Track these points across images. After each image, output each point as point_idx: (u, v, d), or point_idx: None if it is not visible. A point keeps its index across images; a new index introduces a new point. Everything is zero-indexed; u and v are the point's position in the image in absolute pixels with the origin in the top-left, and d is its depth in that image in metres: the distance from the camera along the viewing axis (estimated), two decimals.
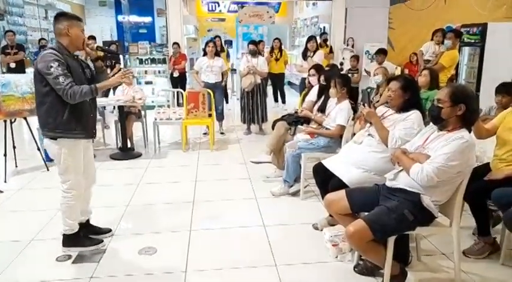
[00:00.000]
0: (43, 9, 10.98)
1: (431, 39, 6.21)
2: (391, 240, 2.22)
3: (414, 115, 2.66)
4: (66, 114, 2.57)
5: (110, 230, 3.15)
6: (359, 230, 2.16)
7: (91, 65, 2.87)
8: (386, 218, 2.17)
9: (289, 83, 12.13)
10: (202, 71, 6.21)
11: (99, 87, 2.62)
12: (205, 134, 6.44)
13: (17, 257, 2.82)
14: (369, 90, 3.44)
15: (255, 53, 6.29)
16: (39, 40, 9.00)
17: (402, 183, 2.27)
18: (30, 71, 7.48)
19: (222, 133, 6.54)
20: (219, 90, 6.31)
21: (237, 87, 10.53)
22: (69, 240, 2.77)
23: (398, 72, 6.73)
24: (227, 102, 8.87)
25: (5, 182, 4.30)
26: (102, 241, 2.89)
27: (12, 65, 7.75)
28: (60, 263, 2.75)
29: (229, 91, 10.69)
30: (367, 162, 2.79)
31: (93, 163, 3.00)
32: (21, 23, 9.71)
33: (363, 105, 2.85)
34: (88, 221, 3.06)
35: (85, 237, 2.88)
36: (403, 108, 2.71)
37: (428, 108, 2.77)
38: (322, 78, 4.17)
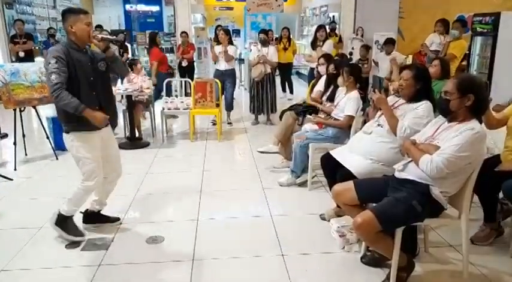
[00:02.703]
0: None
1: (434, 31, 6.09)
2: (399, 232, 2.20)
3: (425, 105, 2.63)
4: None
5: (118, 219, 3.18)
6: (367, 220, 2.14)
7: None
8: (395, 209, 2.16)
9: (298, 73, 12.06)
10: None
11: (85, 112, 2.55)
12: (213, 124, 6.44)
13: (27, 244, 2.85)
14: (380, 77, 3.40)
15: (265, 43, 6.24)
16: (48, 29, 9.02)
17: (411, 174, 2.25)
18: (38, 60, 7.52)
19: (229, 123, 6.52)
20: (229, 79, 6.23)
21: (245, 77, 10.49)
22: (59, 221, 2.85)
23: (409, 61, 6.65)
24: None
25: (15, 170, 4.35)
26: (84, 235, 2.90)
27: (21, 54, 7.79)
28: (69, 251, 2.78)
29: (237, 80, 10.68)
30: (376, 152, 2.76)
31: (117, 156, 3.04)
32: (30, 12, 9.73)
33: (373, 91, 2.81)
34: (99, 211, 3.10)
35: (74, 226, 2.91)
36: (414, 98, 2.67)
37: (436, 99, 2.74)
38: (331, 67, 4.12)
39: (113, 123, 2.97)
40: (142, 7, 14.02)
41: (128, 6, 14.19)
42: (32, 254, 2.75)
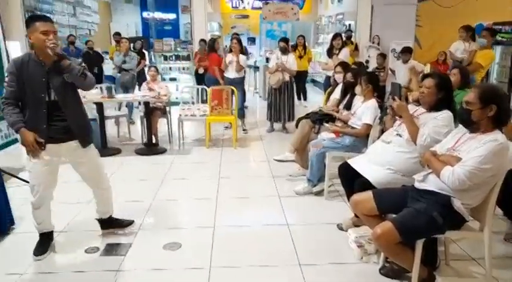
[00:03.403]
0: (71, 6, 11.22)
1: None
2: (419, 244, 2.17)
3: (445, 115, 2.59)
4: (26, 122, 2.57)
5: (133, 222, 3.21)
6: (386, 231, 2.12)
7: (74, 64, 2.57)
8: (415, 220, 2.13)
9: (313, 81, 12.05)
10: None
11: (20, 131, 2.52)
12: (226, 127, 6.52)
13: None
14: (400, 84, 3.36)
15: (285, 51, 6.27)
16: (68, 36, 9.20)
17: (432, 185, 2.22)
18: None
19: (244, 130, 6.55)
20: (239, 87, 6.29)
21: (259, 84, 10.54)
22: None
23: (427, 70, 6.59)
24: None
25: None
26: (43, 254, 2.78)
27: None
28: (88, 255, 2.81)
29: (251, 88, 10.72)
30: (395, 162, 2.73)
31: (92, 174, 2.91)
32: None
33: (393, 98, 2.78)
34: (110, 217, 3.12)
35: (41, 244, 2.83)
36: (434, 107, 2.64)
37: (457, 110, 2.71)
38: (349, 75, 4.10)
39: (84, 140, 2.74)
40: (159, 15, 14.23)
41: (145, 14, 14.42)
42: (52, 258, 2.80)
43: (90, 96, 5.12)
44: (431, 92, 2.63)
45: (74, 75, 2.52)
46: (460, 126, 2.31)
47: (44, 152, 2.60)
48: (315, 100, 9.17)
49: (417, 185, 2.32)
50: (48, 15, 9.79)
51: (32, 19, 2.51)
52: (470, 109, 2.16)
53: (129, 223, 3.19)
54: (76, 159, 2.80)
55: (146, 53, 9.06)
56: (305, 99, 8.83)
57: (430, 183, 2.24)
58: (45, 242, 2.86)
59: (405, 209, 2.23)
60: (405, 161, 2.71)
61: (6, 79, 2.50)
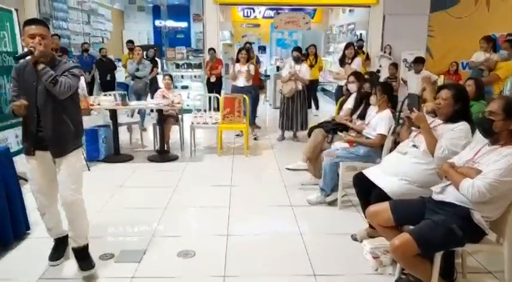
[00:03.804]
0: (86, 14, 11.42)
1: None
2: (438, 256, 2.15)
3: (463, 126, 2.57)
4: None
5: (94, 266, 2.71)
6: (404, 243, 2.11)
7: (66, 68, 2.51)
8: (434, 232, 2.11)
9: (323, 90, 12.06)
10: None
11: (12, 105, 2.46)
12: (237, 135, 6.56)
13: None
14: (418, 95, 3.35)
15: (298, 60, 6.31)
16: (82, 44, 9.35)
17: (450, 197, 2.20)
18: None
19: (255, 139, 6.57)
20: (248, 95, 6.34)
21: (270, 92, 10.58)
22: None
23: (440, 81, 6.56)
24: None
25: None
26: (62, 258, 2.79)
27: None
28: (103, 262, 2.82)
29: (261, 96, 10.77)
30: (411, 173, 2.71)
31: (62, 181, 2.57)
32: (65, 27, 10.12)
33: (411, 109, 2.76)
34: (85, 247, 2.72)
35: (55, 250, 2.81)
36: (451, 118, 2.63)
37: (475, 120, 2.69)
38: (367, 85, 4.09)
39: (55, 151, 2.54)
40: (171, 23, 14.39)
41: (157, 22, 14.59)
42: (67, 263, 2.80)
43: (104, 103, 5.19)
44: (448, 103, 2.62)
45: (44, 81, 2.39)
46: (480, 137, 2.30)
47: (34, 157, 2.57)
48: (325, 109, 9.18)
49: (435, 196, 2.30)
50: (62, 23, 10.01)
51: (24, 24, 2.48)
52: (493, 119, 2.14)
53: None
54: (50, 167, 2.63)
55: (159, 61, 9.15)
56: (317, 108, 8.84)
57: (448, 195, 2.22)
58: (59, 248, 2.87)
59: (423, 220, 2.21)
60: (421, 172, 2.69)
61: (12, 85, 2.57)
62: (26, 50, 2.42)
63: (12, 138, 4.12)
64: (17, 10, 4.29)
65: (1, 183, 2.92)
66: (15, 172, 3.15)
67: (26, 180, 4.01)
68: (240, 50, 6.60)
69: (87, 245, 2.71)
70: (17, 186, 3.17)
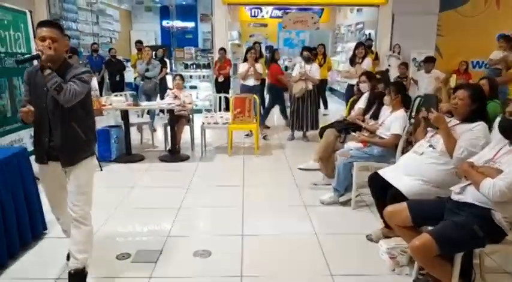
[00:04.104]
0: (94, 14, 11.48)
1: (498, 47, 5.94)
2: (458, 257, 2.15)
3: (480, 126, 2.56)
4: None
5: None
6: (424, 244, 2.10)
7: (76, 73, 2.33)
8: (455, 233, 2.11)
9: (330, 89, 12.04)
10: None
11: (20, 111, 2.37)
12: (247, 135, 6.60)
13: None
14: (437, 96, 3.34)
15: (309, 59, 6.31)
16: (92, 44, 9.41)
17: (471, 198, 2.20)
18: None
19: (264, 138, 6.58)
20: (257, 94, 6.37)
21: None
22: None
23: (453, 81, 6.53)
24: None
25: None
26: None
27: None
28: (120, 261, 2.84)
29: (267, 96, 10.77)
30: (428, 174, 2.70)
31: (71, 192, 2.41)
32: (75, 27, 10.19)
33: (428, 110, 2.75)
34: (83, 271, 2.48)
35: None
36: (468, 118, 2.62)
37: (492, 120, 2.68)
38: (381, 85, 4.08)
39: (63, 160, 2.39)
40: (178, 23, 14.42)
41: (164, 22, 14.63)
42: None
43: (116, 104, 5.22)
44: (465, 103, 2.61)
45: (49, 88, 2.23)
46: (500, 137, 2.29)
47: (46, 166, 2.44)
48: (333, 109, 9.17)
49: (455, 197, 2.30)
50: (72, 23, 10.06)
51: (37, 25, 2.37)
52: None
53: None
54: (59, 178, 2.47)
55: (168, 61, 9.18)
56: (325, 107, 8.84)
57: (468, 195, 2.21)
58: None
59: (443, 221, 2.21)
60: (438, 173, 2.68)
61: (24, 87, 2.48)
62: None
63: (27, 138, 4.15)
64: (31, 12, 4.33)
65: (19, 183, 2.95)
66: (33, 172, 3.18)
67: None
68: (248, 49, 6.61)
69: (86, 270, 2.44)
70: (35, 186, 3.20)
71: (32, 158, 3.23)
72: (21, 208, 2.93)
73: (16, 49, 3.95)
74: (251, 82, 6.45)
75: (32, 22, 4.30)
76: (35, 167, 3.27)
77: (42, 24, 2.32)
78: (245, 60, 6.59)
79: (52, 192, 2.55)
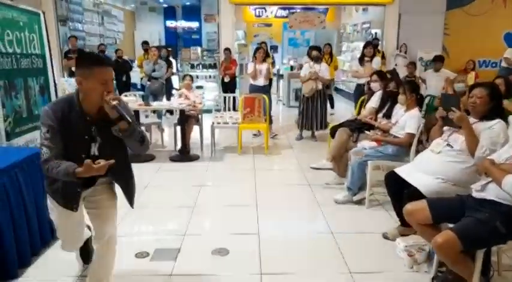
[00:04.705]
0: (100, 15, 11.52)
1: None
2: (480, 253, 2.17)
3: (499, 125, 2.57)
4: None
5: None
6: (448, 240, 2.12)
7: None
8: (478, 230, 2.12)
9: (336, 89, 12.05)
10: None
11: (77, 173, 1.86)
12: (255, 135, 6.64)
13: None
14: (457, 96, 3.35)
15: (318, 59, 6.32)
16: (99, 45, 9.44)
17: (492, 195, 2.21)
18: None
19: (272, 137, 6.61)
20: (267, 94, 6.43)
21: (283, 92, 10.60)
22: None
23: (471, 77, 6.55)
24: None
25: None
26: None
27: (74, 69, 8.16)
28: (139, 260, 2.86)
29: (273, 96, 10.80)
30: (446, 172, 2.72)
31: (106, 217, 2.30)
32: (81, 29, 10.23)
33: (447, 109, 2.75)
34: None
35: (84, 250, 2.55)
36: (486, 116, 2.63)
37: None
38: (393, 84, 4.09)
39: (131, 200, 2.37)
40: (182, 23, 14.46)
41: (168, 23, 14.66)
42: None
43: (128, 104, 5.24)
44: (484, 101, 2.63)
45: (132, 140, 2.05)
46: None
47: (71, 213, 2.15)
48: (340, 108, 9.19)
49: (476, 194, 2.31)
50: (78, 24, 10.09)
51: (88, 59, 1.99)
52: None
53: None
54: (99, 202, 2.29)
55: (174, 61, 9.21)
56: (332, 107, 8.85)
57: (490, 192, 2.23)
58: (84, 250, 2.62)
59: (465, 218, 2.22)
60: (456, 171, 2.69)
61: (45, 136, 1.93)
62: (146, 69, 2.02)
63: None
64: (43, 13, 4.35)
65: (29, 188, 2.80)
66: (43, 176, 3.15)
67: None
68: (257, 49, 6.63)
69: None
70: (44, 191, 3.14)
71: None
72: (31, 214, 2.78)
73: (31, 50, 3.97)
74: (261, 82, 6.46)
75: (46, 23, 4.32)
76: None
77: (103, 63, 1.98)
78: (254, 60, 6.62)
79: (69, 227, 2.27)
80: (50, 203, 2.19)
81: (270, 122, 6.69)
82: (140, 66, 8.49)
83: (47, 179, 2.12)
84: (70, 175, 1.88)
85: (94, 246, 2.32)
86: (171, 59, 9.13)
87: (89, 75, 1.92)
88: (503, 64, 6.00)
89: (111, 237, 2.30)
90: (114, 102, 1.93)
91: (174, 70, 9.16)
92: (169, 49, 9.74)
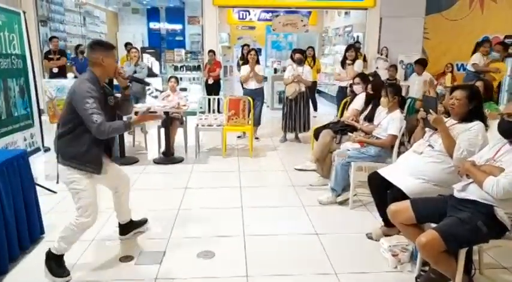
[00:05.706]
0: (82, 16, 11.35)
1: (474, 51, 6.11)
2: (462, 252, 2.21)
3: (478, 126, 2.64)
4: (85, 147, 2.56)
5: (146, 220, 3.36)
6: (431, 240, 2.16)
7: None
8: (460, 229, 2.17)
9: (318, 91, 12.14)
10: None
11: (132, 123, 2.70)
12: (239, 137, 6.66)
13: (80, 258, 2.89)
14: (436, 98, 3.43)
15: (300, 62, 6.36)
16: (77, 46, 9.28)
17: (474, 195, 2.26)
18: (70, 75, 7.70)
19: (256, 138, 6.62)
20: (259, 97, 6.49)
21: (267, 94, 10.61)
22: (49, 260, 2.62)
23: (448, 79, 6.69)
24: None
25: (57, 183, 4.43)
26: (69, 274, 2.64)
27: (55, 70, 8.02)
28: (124, 264, 2.82)
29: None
30: (427, 172, 2.77)
31: (121, 174, 3.07)
32: (62, 29, 10.05)
33: (427, 111, 2.82)
34: (131, 220, 3.24)
35: (60, 266, 2.64)
36: (465, 118, 2.70)
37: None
38: (369, 87, 4.17)
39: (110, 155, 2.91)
40: (165, 25, 14.37)
41: (151, 25, 14.55)
42: (86, 266, 2.79)
43: None
44: (463, 103, 2.69)
45: (130, 104, 2.93)
46: (498, 137, 2.36)
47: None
48: (322, 110, 9.26)
49: (457, 194, 2.36)
50: (59, 25, 9.92)
51: (107, 46, 2.67)
52: None
53: (145, 221, 3.34)
54: (110, 168, 2.92)
55: (157, 63, 9.13)
56: (315, 109, 8.92)
57: (471, 192, 2.28)
58: (62, 261, 2.67)
59: (447, 218, 2.27)
60: (438, 171, 2.75)
61: (94, 105, 2.45)
62: (127, 70, 2.64)
63: (21, 141, 4.09)
64: (24, 12, 4.26)
65: (19, 186, 2.91)
66: (32, 175, 3.13)
67: (38, 185, 3.99)
68: (249, 51, 6.63)
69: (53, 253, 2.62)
70: (34, 189, 3.15)
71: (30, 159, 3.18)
72: (19, 212, 2.87)
73: (11, 50, 3.89)
74: (252, 85, 6.47)
75: (26, 23, 4.24)
76: (33, 170, 3.24)
77: (114, 47, 2.75)
78: (245, 62, 6.60)
79: (96, 192, 2.74)
80: (77, 179, 2.60)
81: (258, 123, 6.71)
82: (122, 67, 8.38)
83: (80, 153, 2.57)
84: (127, 126, 2.60)
85: (116, 195, 3.07)
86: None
87: (108, 55, 2.62)
88: (471, 68, 6.15)
89: (126, 175, 3.12)
90: (127, 74, 2.77)
91: (158, 72, 9.07)
92: (154, 51, 9.63)
